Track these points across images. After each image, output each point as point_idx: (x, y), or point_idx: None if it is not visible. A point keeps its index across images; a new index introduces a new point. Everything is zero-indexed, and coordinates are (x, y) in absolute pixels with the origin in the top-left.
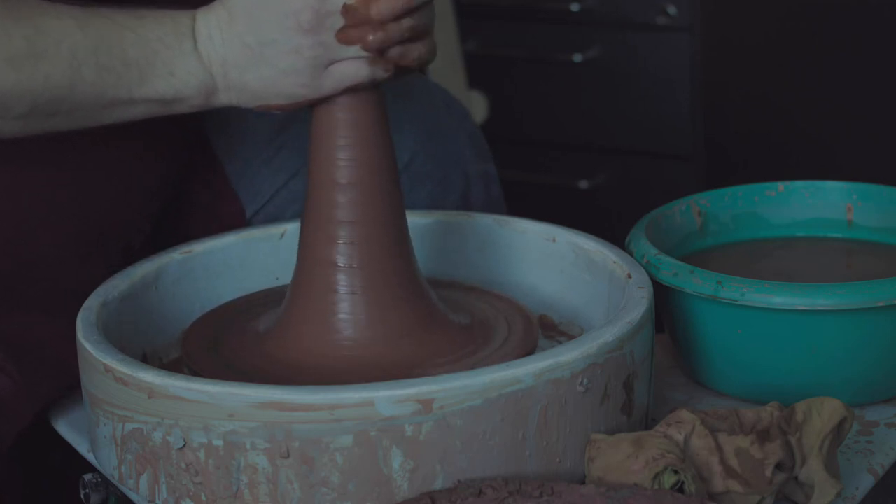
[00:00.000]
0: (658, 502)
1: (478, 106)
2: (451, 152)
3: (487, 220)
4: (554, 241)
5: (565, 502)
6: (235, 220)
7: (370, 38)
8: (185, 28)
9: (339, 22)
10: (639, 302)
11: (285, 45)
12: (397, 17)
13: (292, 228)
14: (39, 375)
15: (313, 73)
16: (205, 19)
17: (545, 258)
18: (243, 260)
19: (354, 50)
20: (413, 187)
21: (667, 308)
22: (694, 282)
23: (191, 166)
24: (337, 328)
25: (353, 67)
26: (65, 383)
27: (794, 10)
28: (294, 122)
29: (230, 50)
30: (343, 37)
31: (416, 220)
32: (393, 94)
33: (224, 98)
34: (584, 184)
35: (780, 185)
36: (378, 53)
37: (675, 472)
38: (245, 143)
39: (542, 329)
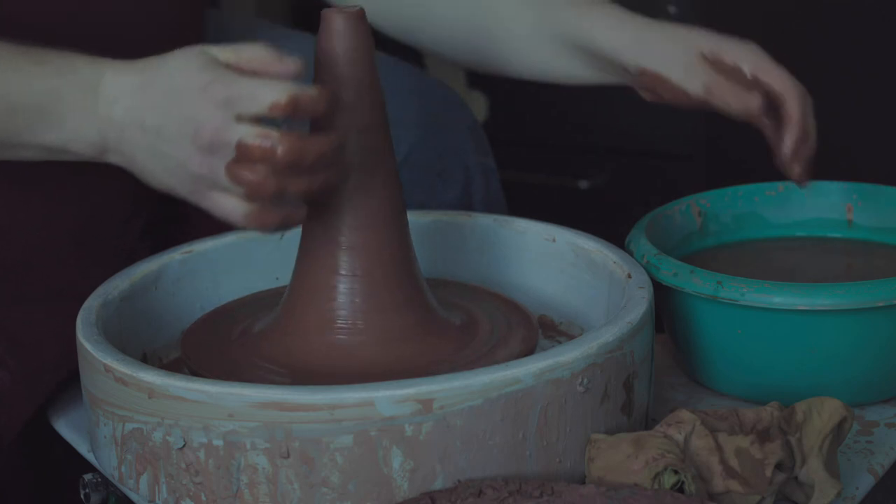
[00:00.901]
0: (658, 502)
1: (478, 106)
2: (451, 145)
3: (487, 220)
4: (554, 241)
5: (565, 502)
6: None
7: (255, 185)
8: (89, 85)
9: (232, 154)
10: (639, 302)
11: (178, 149)
12: (294, 172)
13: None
14: (39, 370)
15: (193, 188)
16: (115, 81)
17: (545, 258)
18: (243, 260)
19: (237, 189)
20: (413, 180)
21: (667, 308)
22: (694, 282)
23: None
24: (337, 328)
25: (230, 204)
26: (63, 377)
27: (794, 10)
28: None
29: (129, 123)
30: (230, 170)
31: (415, 220)
32: (391, 88)
33: (115, 159)
34: (584, 184)
35: (781, 185)
36: (261, 202)
37: (675, 472)
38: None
39: (542, 329)
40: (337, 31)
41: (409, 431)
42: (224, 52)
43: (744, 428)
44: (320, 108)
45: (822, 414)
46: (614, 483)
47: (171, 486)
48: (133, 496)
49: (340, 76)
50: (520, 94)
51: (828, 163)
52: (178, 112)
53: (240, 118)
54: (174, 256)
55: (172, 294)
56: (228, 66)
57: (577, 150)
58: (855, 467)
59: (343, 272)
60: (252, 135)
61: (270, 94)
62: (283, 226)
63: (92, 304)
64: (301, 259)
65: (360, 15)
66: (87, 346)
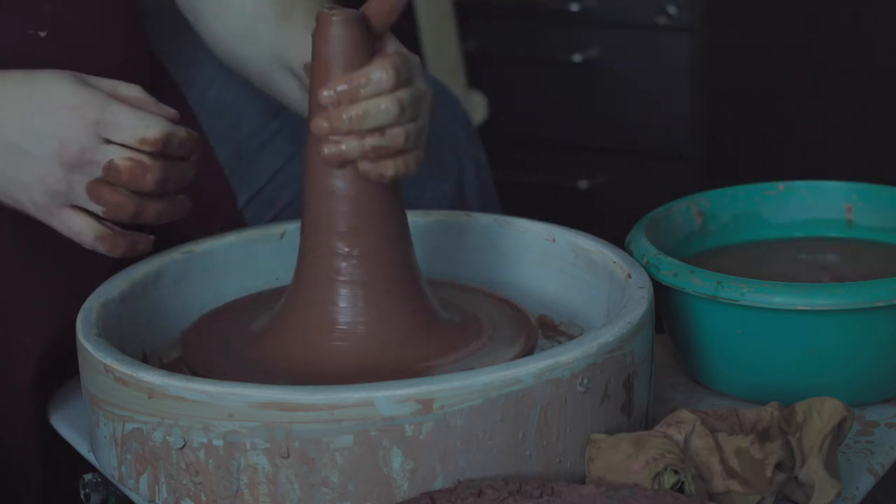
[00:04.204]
0: (658, 502)
1: (478, 106)
2: (444, 137)
3: (487, 220)
4: (554, 241)
5: (565, 502)
6: (224, 205)
7: (115, 205)
8: None
9: (97, 173)
10: (639, 302)
11: (37, 163)
12: (154, 197)
13: (292, 228)
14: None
15: (47, 202)
16: None
17: (545, 258)
18: (243, 260)
19: (95, 207)
20: None
21: (667, 308)
22: (694, 282)
23: None
24: (337, 329)
25: (82, 223)
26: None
27: (794, 10)
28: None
29: None
30: (92, 189)
31: (415, 220)
32: None
33: None
34: (584, 184)
35: (781, 185)
36: (115, 223)
37: (675, 472)
38: (238, 128)
39: (542, 329)
40: (333, 31)
41: (409, 431)
42: (102, 81)
43: (744, 428)
44: (188, 151)
45: (822, 414)
46: (614, 483)
47: (171, 486)
48: (133, 496)
49: (337, 76)
50: (520, 94)
51: (828, 163)
52: (42, 127)
53: (107, 142)
54: (174, 256)
55: (172, 294)
56: (104, 94)
57: (577, 150)
58: (855, 467)
59: (343, 278)
60: (123, 157)
61: (144, 128)
62: (130, 251)
63: (92, 304)
64: (301, 264)
65: (357, 15)
66: (87, 346)
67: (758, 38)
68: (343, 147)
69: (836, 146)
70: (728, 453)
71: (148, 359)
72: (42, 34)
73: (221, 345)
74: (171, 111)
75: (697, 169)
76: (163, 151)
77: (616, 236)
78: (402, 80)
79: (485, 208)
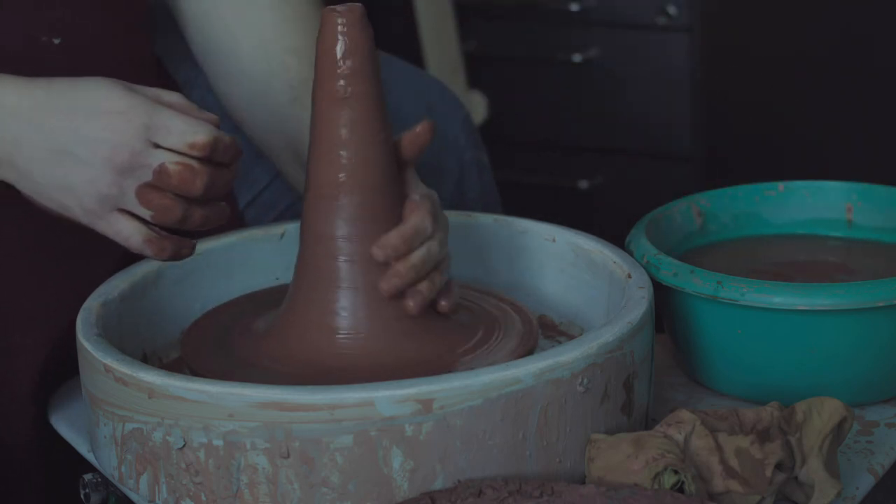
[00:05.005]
0: (658, 502)
1: (478, 106)
2: (446, 140)
3: (487, 220)
4: (554, 241)
5: (565, 502)
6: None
7: (164, 209)
8: None
9: (147, 177)
10: (639, 302)
11: (88, 168)
12: (200, 202)
13: (292, 228)
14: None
15: (97, 207)
16: (17, 94)
17: (545, 258)
18: (243, 260)
19: (144, 211)
20: None
21: (667, 308)
22: (694, 282)
23: None
24: (338, 329)
25: (130, 227)
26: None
27: (794, 10)
28: None
29: (30, 134)
30: (141, 193)
31: None
32: (388, 83)
33: (4, 173)
34: (584, 184)
35: (780, 185)
36: (162, 227)
37: (675, 472)
38: (239, 132)
39: (542, 329)
40: (338, 29)
41: (409, 431)
42: (145, 89)
43: (744, 428)
44: (232, 158)
45: (822, 414)
46: (614, 483)
47: (171, 486)
48: (133, 496)
49: (342, 74)
50: (520, 94)
51: (828, 163)
52: (93, 133)
53: (156, 146)
54: None
55: (172, 294)
56: (150, 99)
57: (577, 150)
58: (855, 467)
59: (344, 285)
60: (174, 161)
61: (192, 133)
62: (176, 255)
63: (92, 304)
64: (301, 268)
65: (361, 13)
66: (87, 346)
67: (757, 38)
68: (424, 294)
69: (836, 146)
70: (728, 453)
71: (148, 359)
72: (56, 41)
73: (222, 345)
74: (214, 117)
75: (697, 169)
76: (210, 156)
77: (616, 236)
78: (440, 226)
79: (486, 210)
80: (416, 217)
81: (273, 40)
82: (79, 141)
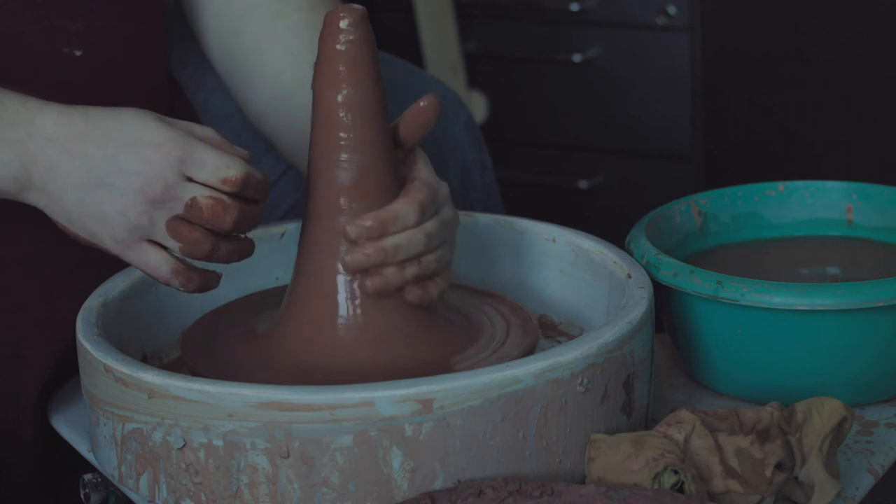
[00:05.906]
0: (658, 502)
1: (478, 106)
2: (448, 140)
3: (487, 220)
4: (554, 241)
5: (565, 502)
6: None
7: (193, 242)
8: (20, 121)
9: (178, 210)
10: (639, 302)
11: (120, 198)
12: (232, 231)
13: (292, 229)
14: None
15: (126, 237)
16: (55, 121)
17: (545, 258)
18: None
19: (172, 243)
20: None
21: (667, 308)
22: (694, 282)
23: None
24: (337, 328)
25: (158, 258)
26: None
27: (794, 11)
28: None
29: (65, 162)
30: (171, 225)
31: None
32: (389, 84)
33: (35, 198)
34: (584, 184)
35: (780, 185)
36: (188, 261)
37: (675, 472)
38: (241, 134)
39: (542, 329)
40: (340, 30)
41: (409, 431)
42: (178, 122)
43: (744, 428)
44: (263, 194)
45: (822, 414)
46: (614, 483)
47: (171, 486)
48: (133, 496)
49: (344, 75)
50: (520, 94)
51: (828, 163)
52: (128, 163)
53: (189, 180)
54: None
55: (172, 294)
56: (186, 132)
57: (577, 150)
58: (855, 467)
59: (345, 278)
60: (205, 195)
61: (225, 167)
62: (202, 287)
63: (92, 304)
64: (301, 262)
65: (363, 14)
66: (87, 346)
67: (757, 38)
68: (388, 279)
69: (836, 146)
70: (728, 453)
71: (148, 359)
72: (77, 53)
73: (222, 344)
74: (245, 152)
75: (697, 169)
76: (241, 192)
77: (616, 236)
78: (427, 216)
79: (488, 212)
80: (400, 203)
81: (299, 49)
82: (114, 171)
